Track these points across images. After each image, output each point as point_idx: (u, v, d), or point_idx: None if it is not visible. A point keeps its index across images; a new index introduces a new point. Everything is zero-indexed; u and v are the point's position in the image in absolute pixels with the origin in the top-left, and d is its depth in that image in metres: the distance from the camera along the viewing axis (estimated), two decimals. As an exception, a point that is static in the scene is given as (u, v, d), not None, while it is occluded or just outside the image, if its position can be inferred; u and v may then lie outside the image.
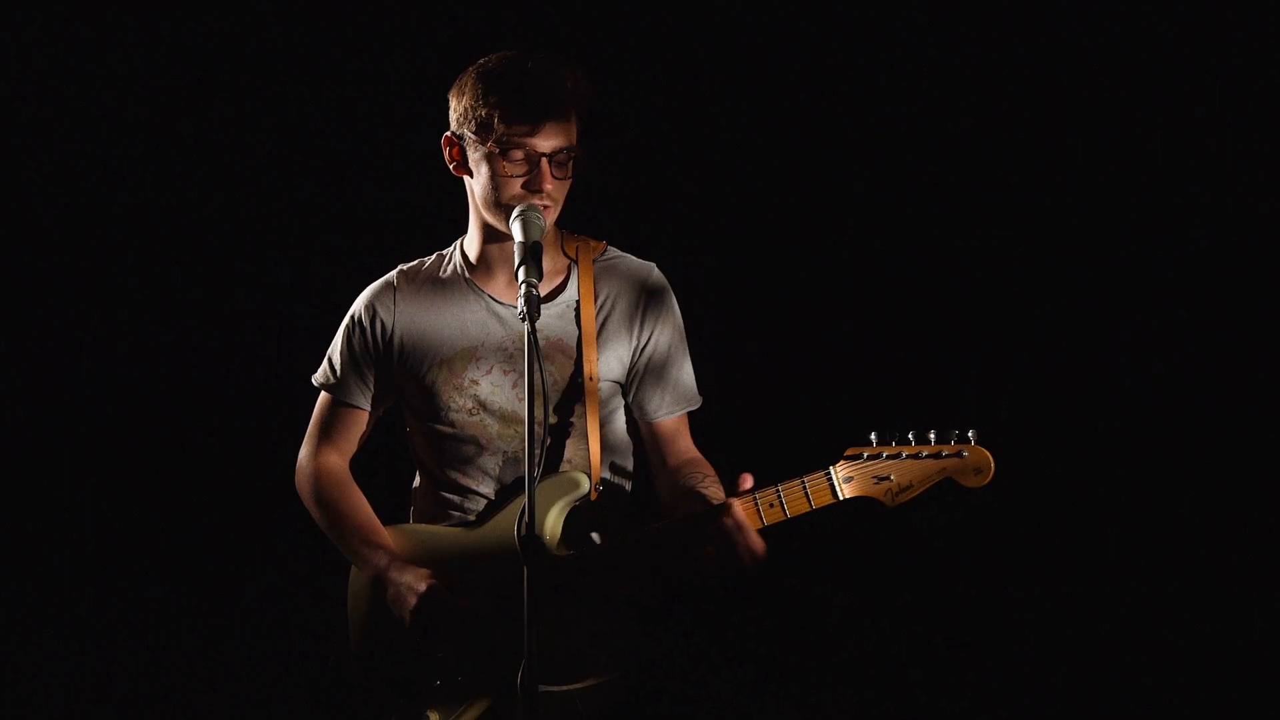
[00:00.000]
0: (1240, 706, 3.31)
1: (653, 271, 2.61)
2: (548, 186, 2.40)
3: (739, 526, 2.30)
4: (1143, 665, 3.38)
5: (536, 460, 2.13)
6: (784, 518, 2.33)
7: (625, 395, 2.61)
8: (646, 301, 2.57)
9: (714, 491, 2.50)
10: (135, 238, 3.71)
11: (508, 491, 2.54)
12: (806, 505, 2.32)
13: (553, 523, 2.46)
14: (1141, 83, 3.37)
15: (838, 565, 3.47)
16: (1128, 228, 3.40)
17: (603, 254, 2.60)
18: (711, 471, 2.58)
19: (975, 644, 3.48)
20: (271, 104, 3.67)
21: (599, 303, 2.55)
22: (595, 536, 2.56)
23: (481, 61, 2.46)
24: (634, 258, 2.63)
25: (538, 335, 2.44)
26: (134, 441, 3.72)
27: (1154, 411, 3.39)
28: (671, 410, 2.61)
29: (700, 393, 2.65)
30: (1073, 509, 3.42)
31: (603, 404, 2.54)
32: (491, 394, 2.53)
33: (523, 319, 2.18)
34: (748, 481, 2.37)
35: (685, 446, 2.62)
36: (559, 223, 2.56)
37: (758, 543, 2.31)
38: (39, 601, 3.68)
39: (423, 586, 2.45)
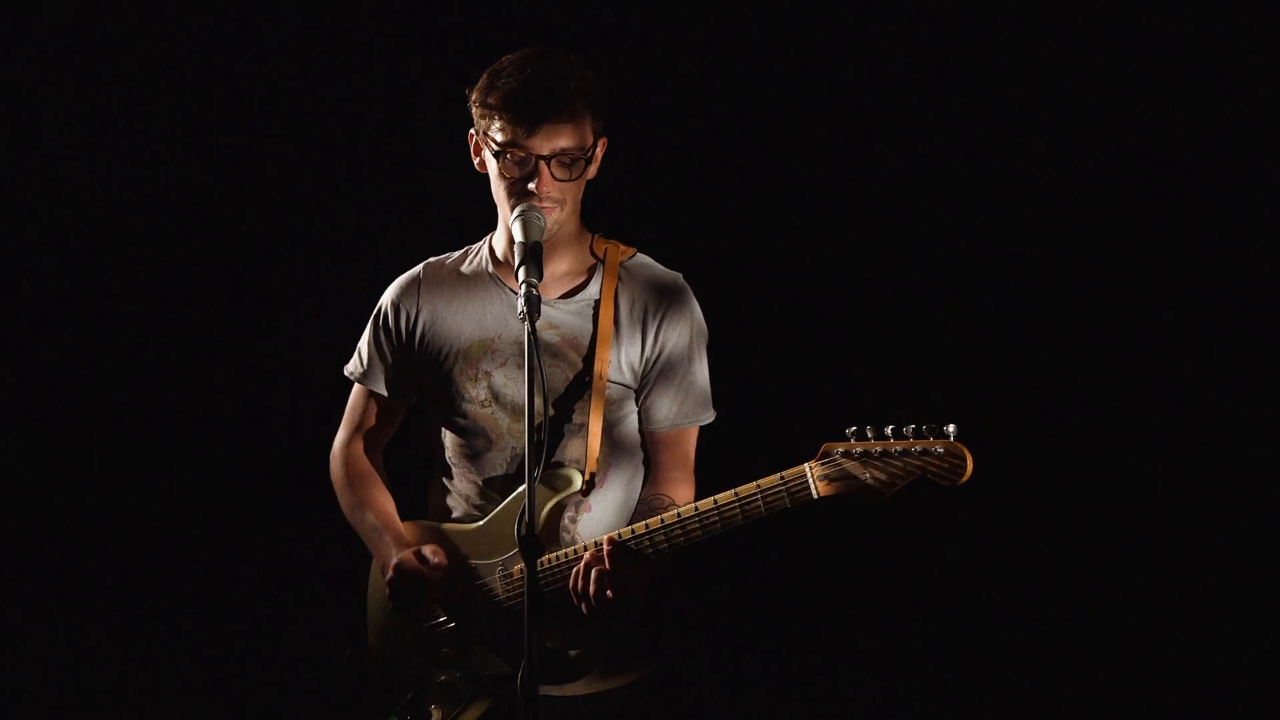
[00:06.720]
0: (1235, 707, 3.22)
1: (677, 280, 2.60)
2: (544, 189, 2.41)
3: (590, 571, 2.35)
4: (1123, 661, 3.29)
5: (537, 458, 2.16)
6: (762, 515, 2.28)
7: (637, 401, 2.59)
8: (665, 309, 2.55)
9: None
10: (173, 232, 3.76)
11: (510, 488, 2.56)
12: (785, 504, 2.26)
13: (542, 520, 2.48)
14: (1120, 83, 3.25)
15: (829, 563, 3.45)
16: (1108, 220, 3.28)
17: (630, 258, 2.60)
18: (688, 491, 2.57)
19: (954, 642, 3.43)
20: (300, 96, 3.69)
21: (618, 305, 2.54)
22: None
23: (498, 61, 2.47)
24: (661, 266, 2.62)
25: (553, 331, 2.52)
26: (167, 438, 3.78)
27: (1135, 413, 3.27)
28: (668, 422, 2.58)
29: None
30: (1052, 501, 3.33)
31: (612, 406, 2.54)
32: (504, 386, 2.55)
33: (522, 318, 2.21)
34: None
35: (673, 459, 2.60)
36: (591, 225, 2.58)
37: (620, 585, 2.34)
38: (48, 595, 3.76)
39: (395, 559, 2.52)
